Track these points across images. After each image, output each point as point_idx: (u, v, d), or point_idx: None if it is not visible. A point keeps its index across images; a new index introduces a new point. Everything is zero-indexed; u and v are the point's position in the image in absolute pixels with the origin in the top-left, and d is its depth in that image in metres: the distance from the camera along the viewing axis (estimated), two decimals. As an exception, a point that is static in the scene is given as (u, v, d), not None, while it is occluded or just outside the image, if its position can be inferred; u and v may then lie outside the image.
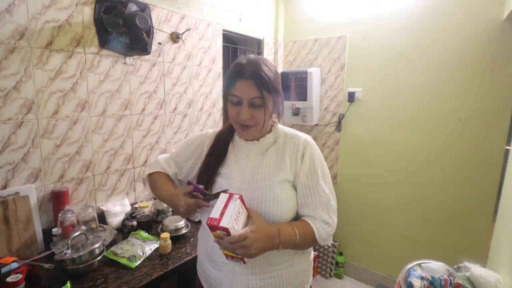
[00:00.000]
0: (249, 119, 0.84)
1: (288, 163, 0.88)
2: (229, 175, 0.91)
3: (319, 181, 0.87)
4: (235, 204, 0.76)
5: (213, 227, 0.72)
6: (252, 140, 0.92)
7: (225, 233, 0.72)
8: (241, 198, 0.79)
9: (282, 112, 0.93)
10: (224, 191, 0.81)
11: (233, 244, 0.72)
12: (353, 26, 2.23)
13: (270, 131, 0.94)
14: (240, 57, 0.88)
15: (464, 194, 1.92)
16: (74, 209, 1.34)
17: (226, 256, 0.79)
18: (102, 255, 1.15)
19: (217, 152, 0.96)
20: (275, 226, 0.81)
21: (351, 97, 2.27)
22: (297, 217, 0.91)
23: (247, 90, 0.81)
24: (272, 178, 0.87)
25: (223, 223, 0.71)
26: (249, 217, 0.80)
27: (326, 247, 2.45)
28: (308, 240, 0.86)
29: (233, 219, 0.73)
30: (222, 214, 0.73)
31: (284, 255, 0.87)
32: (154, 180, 1.03)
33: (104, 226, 1.40)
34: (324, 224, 0.86)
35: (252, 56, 0.88)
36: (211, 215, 0.73)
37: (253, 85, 0.81)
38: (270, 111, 0.87)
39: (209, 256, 0.93)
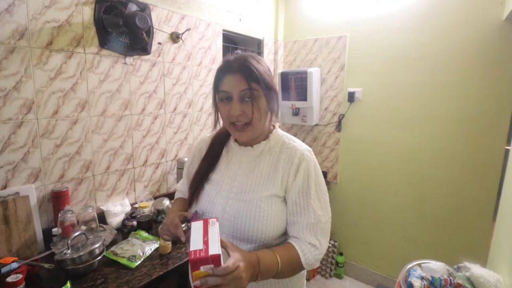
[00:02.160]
0: (241, 115, 0.77)
1: (280, 176, 0.81)
2: (218, 182, 0.86)
3: (310, 200, 0.79)
4: (215, 228, 0.66)
5: (199, 261, 0.58)
6: (246, 146, 0.87)
7: (212, 265, 0.59)
8: (217, 220, 0.69)
9: (277, 109, 0.85)
10: (195, 214, 0.75)
11: (225, 277, 0.60)
12: (353, 26, 2.23)
13: (267, 137, 0.87)
14: (227, 55, 0.84)
15: (464, 194, 1.92)
16: (74, 209, 1.34)
17: None
18: (102, 255, 1.15)
19: (210, 157, 0.91)
20: (253, 253, 0.71)
21: (351, 97, 2.27)
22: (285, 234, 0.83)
23: (235, 84, 0.76)
24: (261, 191, 0.80)
25: (212, 251, 0.59)
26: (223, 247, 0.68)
27: (326, 247, 2.45)
28: (293, 267, 0.77)
29: (219, 245, 0.62)
30: (205, 242, 0.62)
31: None
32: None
33: (104, 226, 1.40)
34: (311, 247, 0.77)
35: (240, 52, 0.84)
36: (192, 248, 0.60)
37: (242, 77, 0.76)
38: (264, 106, 0.79)
39: None
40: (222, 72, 0.80)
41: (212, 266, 0.59)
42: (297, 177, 0.80)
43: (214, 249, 0.60)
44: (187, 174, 0.99)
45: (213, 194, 0.85)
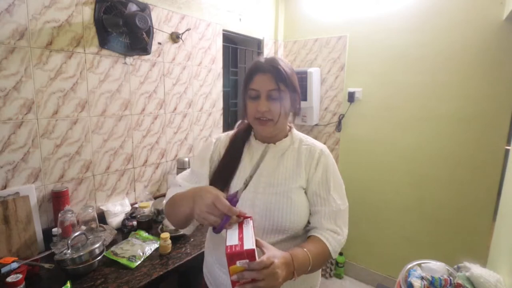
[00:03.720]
0: (267, 111, 0.84)
1: (303, 169, 0.88)
2: (244, 178, 0.86)
3: (330, 191, 0.87)
4: (249, 226, 0.69)
5: (235, 255, 0.62)
6: (268, 143, 0.92)
7: (247, 260, 0.62)
8: (251, 219, 0.73)
9: (299, 110, 0.93)
10: (234, 195, 0.75)
11: (260, 272, 0.62)
12: (353, 26, 2.23)
13: (287, 135, 0.94)
14: (258, 57, 0.92)
15: (464, 194, 1.92)
16: (74, 209, 1.34)
17: None
18: (102, 255, 1.15)
19: (233, 154, 0.93)
20: (286, 252, 0.73)
21: (351, 97, 2.27)
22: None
23: (265, 83, 0.83)
24: (289, 183, 0.86)
25: (247, 246, 0.62)
26: (257, 246, 0.71)
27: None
28: (322, 258, 0.82)
29: (253, 241, 0.64)
30: (241, 239, 0.65)
31: None
32: (174, 198, 0.89)
33: (104, 226, 1.40)
34: (333, 234, 0.84)
35: (272, 55, 0.91)
36: (228, 243, 0.64)
37: (271, 77, 0.83)
38: (288, 106, 0.87)
39: (219, 261, 0.89)
40: (253, 71, 0.86)
41: (247, 261, 0.62)
42: (317, 170, 0.88)
43: (249, 244, 0.63)
44: (198, 175, 0.95)
45: (241, 191, 0.87)
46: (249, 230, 0.68)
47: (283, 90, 0.84)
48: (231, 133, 1.00)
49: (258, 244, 0.70)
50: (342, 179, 0.94)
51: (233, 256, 0.62)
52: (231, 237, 0.66)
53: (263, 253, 0.68)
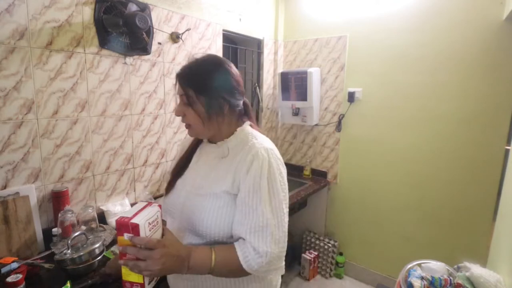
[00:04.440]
0: (183, 117, 0.83)
1: (232, 173, 0.79)
2: (186, 177, 0.89)
3: (260, 202, 0.74)
4: (153, 209, 0.70)
5: (122, 226, 0.65)
6: (214, 143, 0.88)
7: (132, 235, 0.64)
8: (160, 207, 0.73)
9: (229, 115, 0.84)
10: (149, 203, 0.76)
11: (141, 251, 0.64)
12: (353, 26, 2.23)
13: (231, 135, 0.86)
14: None
15: (464, 194, 1.92)
16: (74, 209, 1.34)
17: (124, 282, 0.69)
18: (102, 255, 1.15)
19: (187, 154, 0.95)
20: (189, 247, 0.74)
21: (351, 97, 2.27)
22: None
23: (178, 87, 0.82)
24: (214, 187, 0.80)
25: (134, 220, 0.64)
26: (162, 234, 0.73)
27: (326, 247, 2.46)
28: (232, 268, 0.75)
29: (147, 222, 0.66)
30: (135, 214, 0.67)
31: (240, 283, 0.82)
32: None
33: (104, 226, 1.40)
34: (254, 254, 0.73)
35: (199, 55, 0.85)
36: (122, 215, 0.67)
37: (177, 81, 0.82)
38: (200, 110, 0.79)
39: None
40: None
41: (132, 235, 0.65)
42: (248, 175, 0.76)
43: (137, 219, 0.65)
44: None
45: (180, 188, 0.88)
46: (147, 212, 0.69)
47: (191, 96, 0.79)
48: None
49: (163, 231, 0.73)
50: (286, 189, 0.81)
51: (120, 226, 0.65)
52: (130, 211, 0.69)
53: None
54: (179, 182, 0.90)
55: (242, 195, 0.77)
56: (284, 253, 0.78)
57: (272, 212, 0.76)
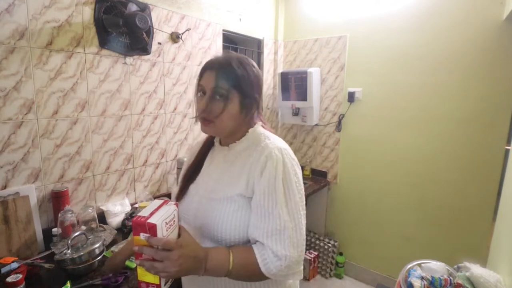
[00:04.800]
0: (205, 110, 0.77)
1: (246, 175, 0.77)
2: (199, 182, 0.87)
3: (276, 204, 0.72)
4: (170, 208, 0.67)
5: (138, 226, 0.62)
6: (226, 146, 0.86)
7: (149, 235, 0.62)
8: (177, 206, 0.70)
9: (254, 117, 0.84)
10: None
11: (159, 252, 0.62)
12: (353, 26, 2.23)
13: (243, 136, 0.84)
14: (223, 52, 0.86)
15: (464, 194, 1.92)
16: (74, 209, 1.34)
17: (140, 283, 0.67)
18: (102, 255, 1.15)
19: (198, 158, 0.92)
20: (206, 249, 0.71)
21: (351, 97, 2.27)
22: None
23: (210, 80, 0.77)
24: (228, 190, 0.78)
25: (152, 220, 0.62)
26: (179, 234, 0.70)
27: (326, 247, 2.45)
28: (250, 272, 0.72)
29: (164, 222, 0.63)
30: (152, 214, 0.64)
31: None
32: None
33: (104, 226, 1.40)
34: (273, 257, 0.71)
35: (233, 52, 0.84)
36: (140, 213, 0.64)
37: (217, 75, 0.76)
38: (235, 110, 0.77)
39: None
40: (205, 66, 0.81)
41: (149, 235, 0.62)
42: (262, 177, 0.74)
43: (155, 219, 0.62)
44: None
45: (193, 194, 0.86)
46: (164, 211, 0.66)
47: (227, 91, 0.76)
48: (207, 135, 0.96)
49: (179, 231, 0.70)
50: (302, 190, 0.79)
51: (136, 225, 0.62)
52: (146, 210, 0.66)
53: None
54: (192, 187, 0.88)
55: (257, 197, 0.75)
56: (303, 257, 0.76)
57: (289, 215, 0.73)
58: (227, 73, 0.76)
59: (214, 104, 0.76)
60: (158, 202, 0.69)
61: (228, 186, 0.79)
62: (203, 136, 0.94)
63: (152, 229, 0.61)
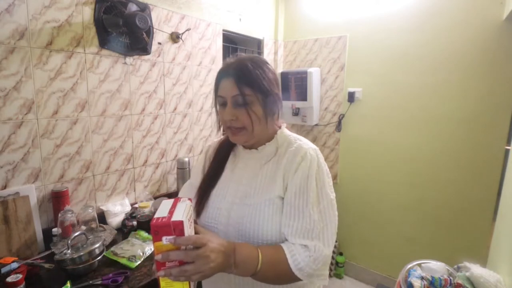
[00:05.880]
0: (233, 120, 0.75)
1: (281, 176, 0.76)
2: (224, 187, 0.83)
3: (307, 204, 0.72)
4: (185, 204, 0.61)
5: (160, 228, 0.54)
6: (251, 149, 0.84)
7: (175, 236, 0.54)
8: (191, 201, 0.65)
9: (279, 114, 0.82)
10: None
11: (189, 253, 0.56)
12: (353, 26, 2.23)
13: (272, 139, 0.83)
14: (230, 57, 0.82)
15: (464, 194, 1.92)
16: (74, 209, 1.34)
17: None
18: (102, 255, 1.15)
19: (217, 162, 0.89)
20: (231, 242, 0.68)
21: (351, 97, 2.27)
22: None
23: (229, 89, 0.75)
24: (265, 194, 0.76)
25: (176, 217, 0.54)
26: (196, 232, 0.65)
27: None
28: (278, 269, 0.69)
29: (187, 218, 0.57)
30: (171, 212, 0.57)
31: None
32: None
33: (104, 226, 1.40)
34: (301, 248, 0.70)
35: (243, 54, 0.81)
36: (156, 216, 0.56)
37: (234, 82, 0.74)
38: (259, 111, 0.76)
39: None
40: (220, 75, 0.78)
41: (174, 237, 0.55)
42: (295, 176, 0.74)
43: (178, 216, 0.55)
44: (194, 188, 0.92)
45: (219, 200, 0.82)
46: (182, 207, 0.59)
47: (248, 95, 0.74)
48: (221, 138, 0.94)
49: (195, 229, 0.64)
50: (333, 192, 0.78)
51: (158, 228, 0.54)
52: (161, 211, 0.58)
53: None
54: (215, 194, 0.84)
55: (288, 195, 0.74)
56: (330, 259, 0.74)
57: (320, 214, 0.73)
58: (245, 77, 0.74)
59: (239, 112, 0.75)
60: (169, 201, 0.63)
61: (265, 189, 0.77)
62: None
63: (178, 228, 0.54)
